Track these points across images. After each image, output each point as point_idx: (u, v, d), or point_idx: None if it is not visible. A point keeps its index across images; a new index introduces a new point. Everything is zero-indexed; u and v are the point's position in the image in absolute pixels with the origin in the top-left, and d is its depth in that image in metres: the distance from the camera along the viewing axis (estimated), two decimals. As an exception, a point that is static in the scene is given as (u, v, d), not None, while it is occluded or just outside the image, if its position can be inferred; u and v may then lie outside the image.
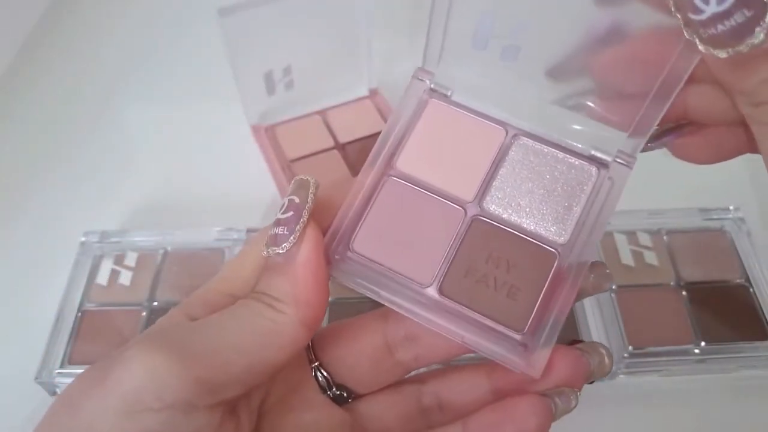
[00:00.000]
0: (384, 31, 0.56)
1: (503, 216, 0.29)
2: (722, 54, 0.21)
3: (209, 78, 0.61)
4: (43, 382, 0.42)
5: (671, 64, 0.25)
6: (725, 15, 0.21)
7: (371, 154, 0.30)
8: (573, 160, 0.30)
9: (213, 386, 0.23)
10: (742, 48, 0.21)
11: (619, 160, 0.29)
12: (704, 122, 0.28)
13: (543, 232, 0.28)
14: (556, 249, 0.28)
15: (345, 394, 0.30)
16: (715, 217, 0.49)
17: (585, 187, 0.29)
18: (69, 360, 0.43)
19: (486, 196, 0.29)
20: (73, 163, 0.58)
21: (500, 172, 0.30)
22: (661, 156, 0.31)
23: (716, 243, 0.48)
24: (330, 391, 0.30)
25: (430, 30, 0.29)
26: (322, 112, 0.58)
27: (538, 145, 0.30)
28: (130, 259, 0.48)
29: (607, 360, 0.28)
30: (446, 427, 0.28)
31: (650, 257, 0.47)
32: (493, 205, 0.29)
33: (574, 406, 0.27)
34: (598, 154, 0.29)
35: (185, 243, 0.49)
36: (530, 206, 0.29)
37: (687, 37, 0.23)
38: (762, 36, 0.20)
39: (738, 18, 0.21)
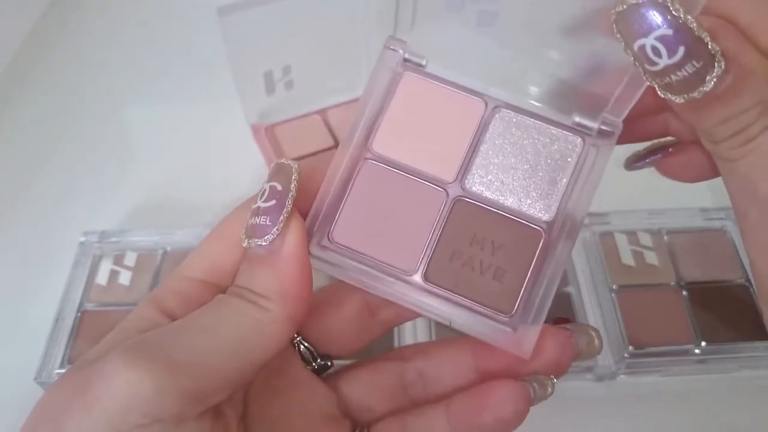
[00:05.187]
0: (384, 31, 0.55)
1: (486, 195, 0.28)
2: (679, 99, 0.23)
3: (209, 78, 0.61)
4: (42, 382, 0.42)
5: None
6: (677, 67, 0.22)
7: (346, 133, 0.28)
8: (556, 131, 0.28)
9: (201, 395, 0.23)
10: (696, 95, 0.22)
11: (604, 127, 0.28)
12: (686, 138, 0.29)
13: (527, 210, 0.27)
14: (541, 227, 0.27)
15: (329, 363, 0.30)
16: (715, 217, 0.49)
17: (569, 159, 0.28)
18: (68, 360, 0.43)
19: (468, 174, 0.28)
20: (73, 163, 0.58)
21: (481, 148, 0.28)
22: (661, 156, 0.31)
23: (717, 243, 0.48)
24: (315, 362, 0.29)
25: None
26: (322, 112, 0.58)
27: (519, 117, 0.28)
28: (130, 259, 0.48)
29: (596, 341, 0.28)
30: (430, 407, 0.28)
31: (651, 257, 0.47)
32: (476, 185, 0.28)
33: (551, 393, 0.27)
34: (583, 121, 0.28)
35: (185, 243, 0.49)
36: (513, 183, 0.28)
37: (647, 82, 0.24)
38: (712, 84, 0.22)
39: (689, 69, 0.22)
